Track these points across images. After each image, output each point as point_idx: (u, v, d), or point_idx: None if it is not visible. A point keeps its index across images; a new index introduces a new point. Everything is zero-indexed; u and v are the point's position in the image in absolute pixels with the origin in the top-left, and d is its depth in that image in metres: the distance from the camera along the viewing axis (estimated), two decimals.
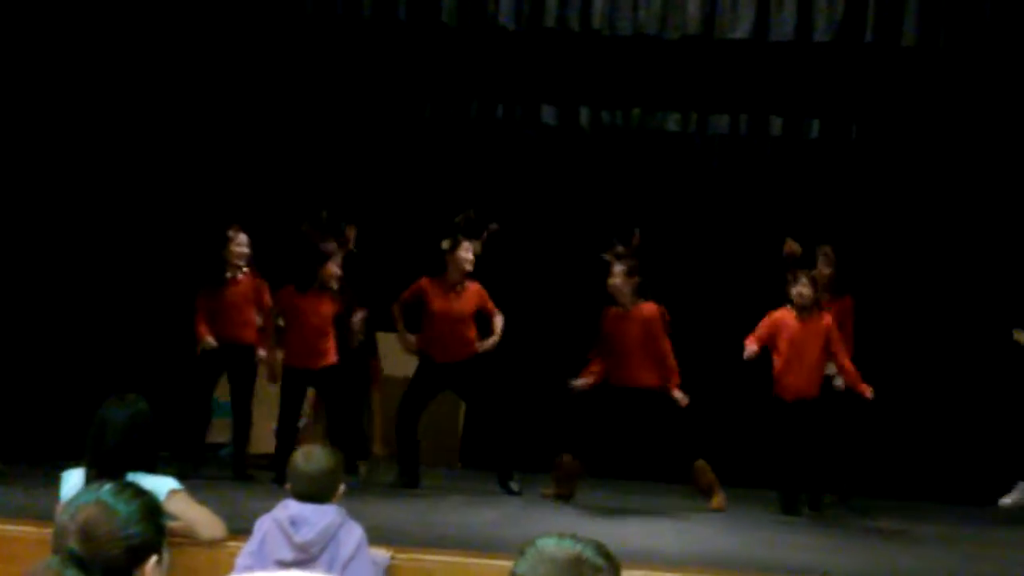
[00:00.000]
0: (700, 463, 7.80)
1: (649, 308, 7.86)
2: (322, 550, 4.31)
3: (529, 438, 8.70)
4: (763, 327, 7.80)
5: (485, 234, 8.24)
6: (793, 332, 7.71)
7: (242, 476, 8.03)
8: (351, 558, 4.34)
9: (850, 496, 8.31)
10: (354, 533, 4.40)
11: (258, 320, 8.27)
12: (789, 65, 9.38)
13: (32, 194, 8.50)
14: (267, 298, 8.27)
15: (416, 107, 9.98)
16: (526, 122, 10.06)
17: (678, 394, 7.76)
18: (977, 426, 9.15)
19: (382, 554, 4.93)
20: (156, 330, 9.11)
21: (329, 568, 4.24)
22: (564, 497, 7.81)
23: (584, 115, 10.04)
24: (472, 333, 8.14)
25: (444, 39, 9.35)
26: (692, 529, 7.07)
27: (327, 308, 8.12)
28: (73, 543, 2.41)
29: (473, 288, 8.15)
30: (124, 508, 2.46)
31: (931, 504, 8.52)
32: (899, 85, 9.31)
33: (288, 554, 4.29)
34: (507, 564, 2.14)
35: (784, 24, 9.23)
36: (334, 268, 8.12)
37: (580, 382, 7.82)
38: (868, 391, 7.68)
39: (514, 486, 8.00)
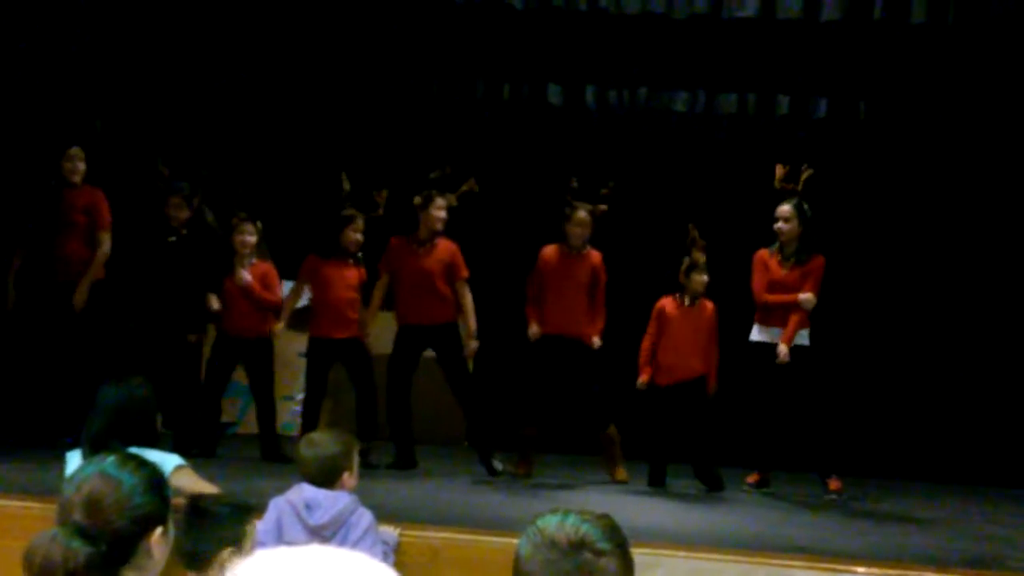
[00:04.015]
0: (612, 430, 7.81)
1: (597, 254, 7.88)
2: (334, 534, 4.46)
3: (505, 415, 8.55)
4: (652, 322, 7.81)
5: (462, 189, 8.06)
6: (679, 320, 7.73)
7: (273, 458, 7.79)
8: (359, 540, 4.48)
9: (856, 478, 8.28)
10: (364, 518, 4.57)
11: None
12: (797, 44, 9.33)
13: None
14: (275, 284, 8.16)
15: (422, 85, 9.91)
16: (532, 101, 9.97)
17: (596, 340, 7.75)
18: (983, 406, 9.11)
19: (391, 532, 4.97)
20: (169, 313, 8.78)
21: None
22: (525, 475, 7.77)
23: (590, 94, 9.96)
24: (446, 293, 7.92)
25: (451, 17, 9.31)
26: (696, 508, 7.05)
27: (352, 276, 8.03)
28: (78, 515, 2.40)
29: (444, 246, 7.96)
30: (129, 479, 2.44)
31: (934, 485, 8.50)
32: (908, 63, 9.25)
33: (302, 536, 4.43)
34: (514, 542, 2.09)
35: (792, 2, 9.20)
36: (354, 234, 7.99)
37: (534, 330, 7.74)
38: (713, 389, 7.74)
39: (497, 465, 7.81)
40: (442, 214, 7.92)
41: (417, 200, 7.93)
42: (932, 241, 9.30)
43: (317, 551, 1.51)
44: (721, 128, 9.78)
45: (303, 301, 8.35)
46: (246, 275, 7.99)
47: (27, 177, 8.41)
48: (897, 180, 9.38)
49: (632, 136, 9.81)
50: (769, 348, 7.56)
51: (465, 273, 7.99)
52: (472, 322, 7.97)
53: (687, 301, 7.77)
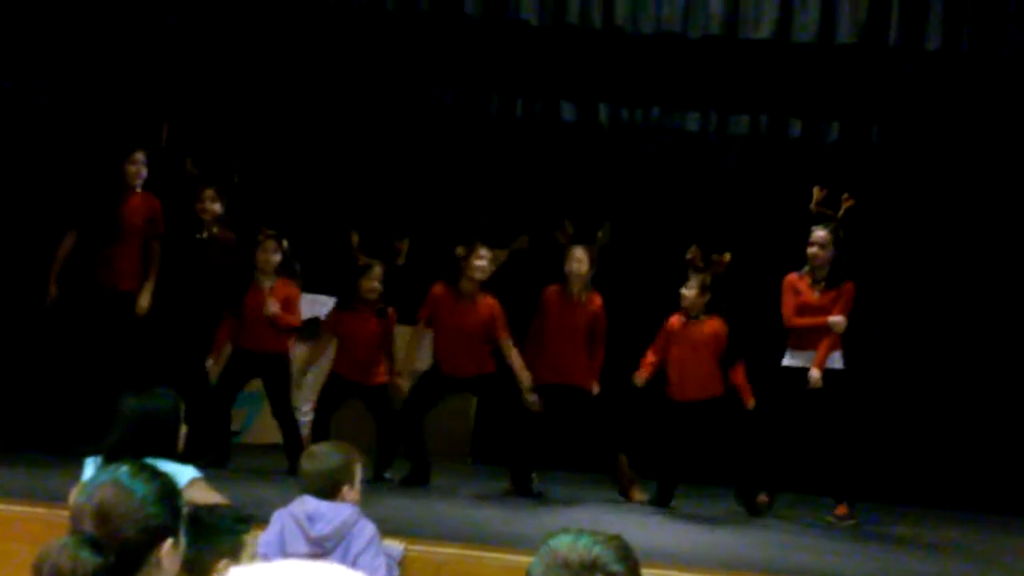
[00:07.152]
0: (622, 457, 7.79)
1: (599, 299, 7.83)
2: (336, 545, 4.45)
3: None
4: (658, 338, 7.78)
5: (513, 247, 7.87)
6: (679, 336, 7.67)
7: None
8: (361, 552, 4.47)
9: (862, 502, 8.25)
10: (367, 530, 4.55)
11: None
12: (811, 67, 9.32)
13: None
14: (297, 307, 8.09)
15: (436, 101, 9.92)
16: (545, 119, 9.98)
17: (595, 387, 7.78)
18: (991, 432, 9.09)
19: (396, 545, 4.96)
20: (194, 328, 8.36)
21: (341, 562, 4.33)
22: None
23: (603, 112, 9.97)
24: (484, 349, 7.79)
25: (465, 32, 9.31)
26: (705, 530, 7.03)
27: (374, 327, 7.92)
28: (88, 524, 2.39)
29: (484, 303, 7.77)
30: (140, 489, 2.44)
31: (943, 511, 8.47)
32: (922, 89, 9.24)
33: (304, 547, 4.42)
34: (518, 558, 2.09)
35: (807, 25, 9.19)
36: (371, 283, 7.87)
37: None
38: (751, 403, 7.63)
39: (534, 487, 7.75)
40: (483, 263, 7.69)
41: (460, 251, 7.71)
42: (945, 265, 9.29)
43: (292, 566, 1.51)
44: (733, 150, 9.77)
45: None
46: (273, 306, 7.90)
47: (84, 178, 8.30)
48: (909, 205, 9.38)
49: (644, 155, 9.81)
50: (801, 373, 7.52)
51: (504, 334, 7.77)
52: (524, 378, 7.70)
53: (687, 318, 7.71)
